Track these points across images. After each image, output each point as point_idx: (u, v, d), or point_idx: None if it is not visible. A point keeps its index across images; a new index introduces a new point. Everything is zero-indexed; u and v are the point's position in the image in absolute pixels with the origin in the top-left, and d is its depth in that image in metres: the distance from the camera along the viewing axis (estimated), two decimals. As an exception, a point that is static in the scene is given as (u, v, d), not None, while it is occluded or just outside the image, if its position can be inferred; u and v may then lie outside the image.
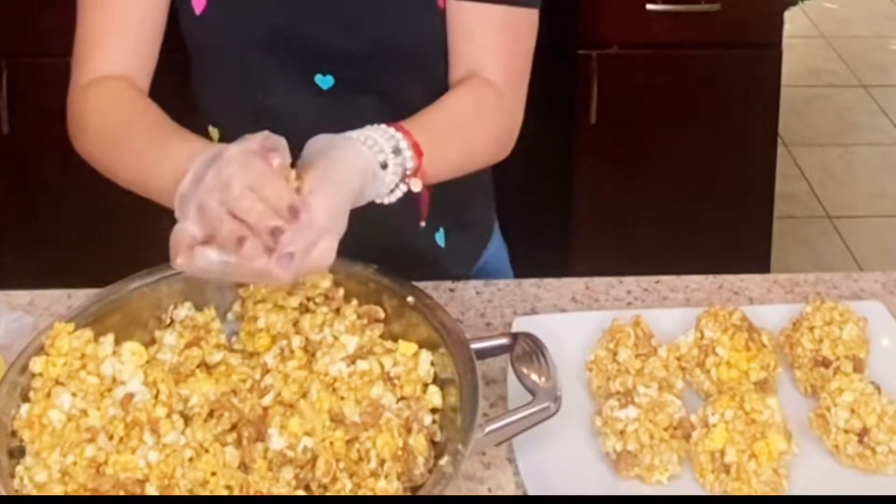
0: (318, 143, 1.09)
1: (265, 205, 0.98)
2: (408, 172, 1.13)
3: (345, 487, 1.00)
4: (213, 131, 1.38)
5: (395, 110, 1.25)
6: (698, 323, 1.21)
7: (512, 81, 1.29)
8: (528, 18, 1.30)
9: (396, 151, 1.12)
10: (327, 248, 1.01)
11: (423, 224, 1.37)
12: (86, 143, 1.26)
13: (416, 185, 1.14)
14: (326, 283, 1.17)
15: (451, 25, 1.30)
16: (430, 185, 1.19)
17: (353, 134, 1.11)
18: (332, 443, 1.03)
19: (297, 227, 0.98)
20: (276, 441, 1.02)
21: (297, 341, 1.12)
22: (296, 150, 1.21)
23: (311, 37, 1.30)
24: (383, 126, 1.13)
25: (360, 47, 1.30)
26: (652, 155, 2.45)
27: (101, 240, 2.34)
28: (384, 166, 1.11)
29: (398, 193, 1.13)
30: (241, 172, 1.00)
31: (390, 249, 1.24)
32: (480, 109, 1.27)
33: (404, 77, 1.33)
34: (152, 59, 1.31)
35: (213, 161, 1.02)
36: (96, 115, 1.25)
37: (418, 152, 1.13)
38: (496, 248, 1.53)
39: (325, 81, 1.32)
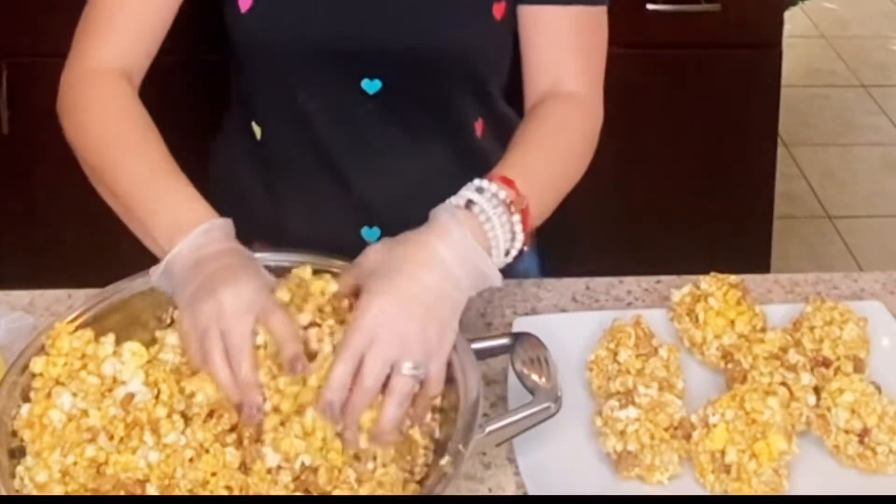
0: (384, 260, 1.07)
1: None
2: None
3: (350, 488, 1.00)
4: (256, 128, 1.37)
5: (441, 120, 1.25)
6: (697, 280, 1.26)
7: (592, 83, 1.31)
8: (602, 16, 1.31)
9: (513, 235, 1.11)
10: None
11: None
12: (81, 141, 1.24)
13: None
14: (334, 287, 1.12)
15: (526, 32, 1.29)
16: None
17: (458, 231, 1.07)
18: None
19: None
20: (272, 458, 1.01)
21: None
22: (341, 155, 1.18)
23: (359, 39, 1.28)
24: (499, 209, 1.09)
25: (409, 52, 1.28)
26: (652, 155, 2.44)
27: (101, 240, 2.31)
28: (506, 253, 1.11)
29: (512, 255, 1.12)
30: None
31: None
32: (569, 132, 1.28)
33: (453, 85, 1.32)
34: (150, 58, 1.30)
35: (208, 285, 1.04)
36: (95, 118, 1.23)
37: (525, 219, 1.11)
38: (528, 258, 1.52)
39: (371, 86, 1.30)
